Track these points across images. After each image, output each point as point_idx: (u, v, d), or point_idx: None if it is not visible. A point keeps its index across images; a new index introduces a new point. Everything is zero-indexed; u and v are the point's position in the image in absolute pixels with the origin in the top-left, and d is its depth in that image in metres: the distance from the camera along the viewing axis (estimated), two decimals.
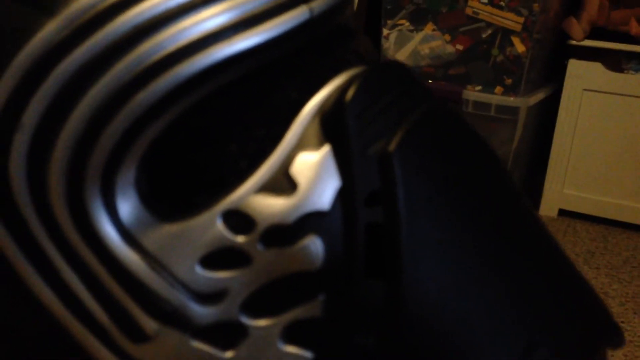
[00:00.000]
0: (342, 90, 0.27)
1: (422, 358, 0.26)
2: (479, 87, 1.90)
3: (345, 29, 0.31)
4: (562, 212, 1.99)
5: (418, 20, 1.94)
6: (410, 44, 1.98)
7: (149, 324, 0.26)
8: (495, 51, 1.87)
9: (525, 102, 1.86)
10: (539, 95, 1.95)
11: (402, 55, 1.98)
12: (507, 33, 1.84)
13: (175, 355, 0.26)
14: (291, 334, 0.26)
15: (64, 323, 0.27)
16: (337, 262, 0.26)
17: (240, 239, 0.26)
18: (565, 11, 1.94)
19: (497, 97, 1.87)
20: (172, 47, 0.24)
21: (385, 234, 0.26)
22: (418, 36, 1.96)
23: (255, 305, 0.26)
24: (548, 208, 2.00)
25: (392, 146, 0.26)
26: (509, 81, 1.86)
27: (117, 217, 0.26)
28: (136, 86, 0.24)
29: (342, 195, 0.26)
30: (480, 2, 1.85)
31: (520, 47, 1.84)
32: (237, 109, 0.27)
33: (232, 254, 0.26)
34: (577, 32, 1.90)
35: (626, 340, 1.29)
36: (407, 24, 1.96)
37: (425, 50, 1.96)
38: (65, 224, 0.25)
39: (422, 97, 0.29)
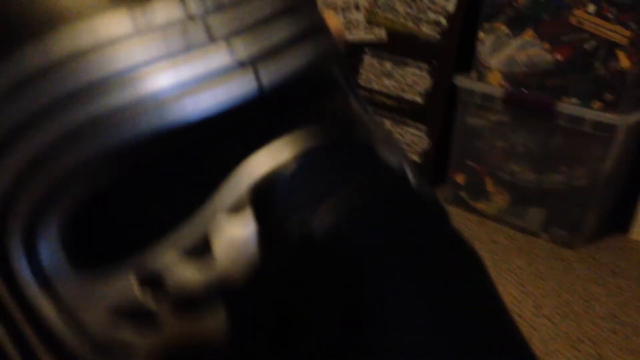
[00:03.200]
0: (283, 158, 0.25)
1: None
2: (576, 101, 1.79)
3: (315, 84, 0.29)
4: None
5: (517, 25, 1.85)
6: (507, 49, 1.89)
7: None
8: (597, 64, 1.75)
9: (625, 120, 1.74)
10: None
11: (497, 60, 1.90)
12: (612, 46, 1.72)
13: None
14: None
15: None
16: (242, 340, 0.25)
17: (148, 299, 0.25)
18: None
19: (594, 113, 1.75)
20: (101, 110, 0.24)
21: (294, 316, 0.24)
22: (516, 42, 1.87)
23: None
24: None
25: (318, 235, 0.24)
26: (609, 97, 1.74)
27: (37, 260, 0.26)
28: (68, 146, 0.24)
29: (258, 274, 0.24)
30: (586, 12, 1.74)
31: (625, 62, 1.71)
32: (167, 162, 0.26)
33: (141, 312, 0.25)
34: None
35: None
36: (505, 28, 1.88)
37: (522, 57, 1.87)
38: None
39: (367, 186, 0.27)
